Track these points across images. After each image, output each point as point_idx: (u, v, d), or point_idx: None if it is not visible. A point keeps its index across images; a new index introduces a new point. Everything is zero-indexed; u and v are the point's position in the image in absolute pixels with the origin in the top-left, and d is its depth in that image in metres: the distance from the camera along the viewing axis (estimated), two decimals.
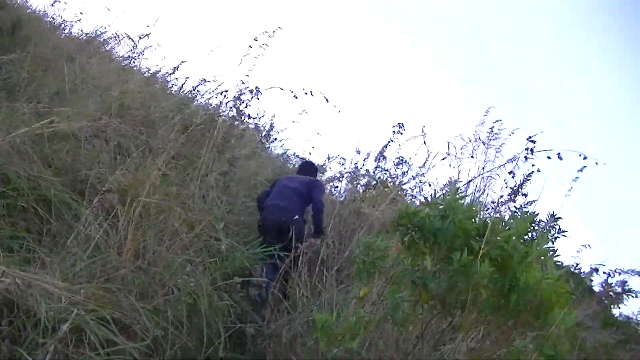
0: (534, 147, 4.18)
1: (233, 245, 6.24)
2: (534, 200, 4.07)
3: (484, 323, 3.98)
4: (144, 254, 5.04)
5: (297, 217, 7.58)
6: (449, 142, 8.61)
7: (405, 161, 9.46)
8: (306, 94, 8.01)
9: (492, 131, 8.33)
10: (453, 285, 3.75)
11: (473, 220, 3.86)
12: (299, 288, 6.28)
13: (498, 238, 3.77)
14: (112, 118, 7.17)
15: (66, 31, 11.47)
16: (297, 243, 6.98)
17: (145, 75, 11.23)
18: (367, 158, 9.71)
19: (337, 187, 10.00)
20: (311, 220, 7.86)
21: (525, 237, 3.89)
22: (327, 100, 8.06)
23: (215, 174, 7.56)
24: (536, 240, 3.82)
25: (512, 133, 8.18)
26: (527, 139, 4.19)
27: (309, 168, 8.97)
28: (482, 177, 7.77)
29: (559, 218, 4.10)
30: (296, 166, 9.70)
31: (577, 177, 5.80)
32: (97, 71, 8.75)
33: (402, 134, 9.39)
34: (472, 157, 8.05)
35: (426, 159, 9.21)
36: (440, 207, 3.85)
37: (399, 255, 4.03)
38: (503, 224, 3.89)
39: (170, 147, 6.87)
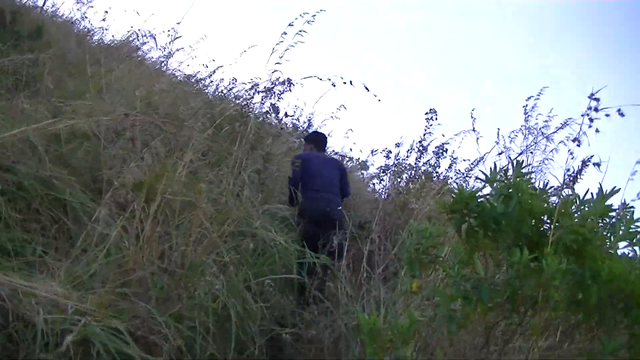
0: (598, 105, 3.31)
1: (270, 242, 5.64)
2: (611, 192, 3.21)
3: (560, 323, 3.28)
4: (168, 255, 4.45)
5: (341, 208, 7.32)
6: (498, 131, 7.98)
7: (446, 150, 8.72)
8: (345, 83, 7.21)
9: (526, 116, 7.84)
10: (516, 288, 3.04)
11: (543, 201, 3.17)
12: (341, 285, 5.63)
13: (575, 220, 3.08)
14: (138, 116, 6.60)
15: (96, 37, 10.90)
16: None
17: (178, 78, 10.67)
18: (410, 150, 8.95)
19: (382, 180, 9.26)
20: None
21: (604, 219, 3.19)
22: (367, 89, 7.31)
23: (250, 171, 6.96)
24: (617, 225, 3.13)
25: (565, 123, 7.51)
26: (590, 97, 3.33)
27: (325, 142, 8.60)
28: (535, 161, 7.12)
29: (632, 208, 3.35)
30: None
31: None
32: (124, 73, 8.16)
33: (435, 119, 8.70)
34: (530, 153, 7.39)
35: (480, 158, 8.44)
36: (503, 186, 3.16)
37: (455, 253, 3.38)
38: (577, 204, 3.18)
39: (199, 142, 6.27)
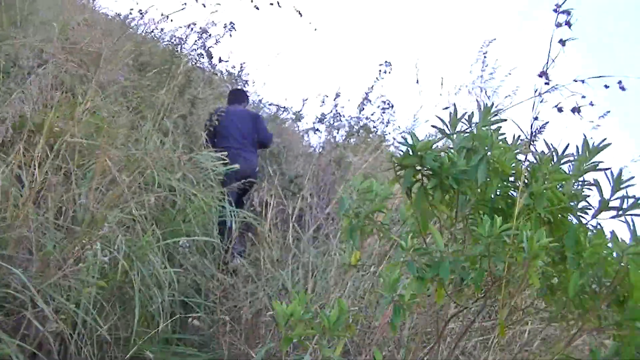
0: (569, 19, 2.41)
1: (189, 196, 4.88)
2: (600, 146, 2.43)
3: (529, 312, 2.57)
4: (66, 208, 3.66)
5: (257, 168, 6.91)
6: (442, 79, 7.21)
7: (392, 105, 7.87)
8: (272, 4, 6.36)
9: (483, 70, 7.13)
10: (486, 268, 2.30)
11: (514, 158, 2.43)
12: (267, 247, 4.89)
13: (546, 182, 2.35)
14: (56, 52, 5.76)
15: None
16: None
17: (108, 17, 9.70)
18: (348, 102, 8.12)
19: (317, 130, 8.35)
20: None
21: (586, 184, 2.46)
22: (300, 14, 6.49)
23: (175, 116, 6.18)
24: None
25: (509, 73, 6.96)
26: (556, 10, 2.41)
27: (242, 96, 7.71)
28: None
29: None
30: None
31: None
32: (46, 6, 7.23)
33: (388, 73, 7.73)
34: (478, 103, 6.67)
35: (416, 112, 7.65)
36: (466, 136, 2.40)
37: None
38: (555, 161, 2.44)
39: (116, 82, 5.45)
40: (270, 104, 10.38)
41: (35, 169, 3.53)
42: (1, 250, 3.03)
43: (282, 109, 9.86)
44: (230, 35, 7.19)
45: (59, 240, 3.39)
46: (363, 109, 7.77)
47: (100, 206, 3.75)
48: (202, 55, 7.29)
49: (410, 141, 2.35)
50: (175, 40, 7.52)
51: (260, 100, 10.84)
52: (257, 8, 6.36)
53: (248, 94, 7.98)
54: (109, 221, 3.58)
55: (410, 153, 2.37)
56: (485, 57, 7.15)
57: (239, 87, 8.11)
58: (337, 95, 8.10)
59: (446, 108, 6.43)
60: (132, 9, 9.17)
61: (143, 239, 3.84)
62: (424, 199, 2.44)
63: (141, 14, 9.23)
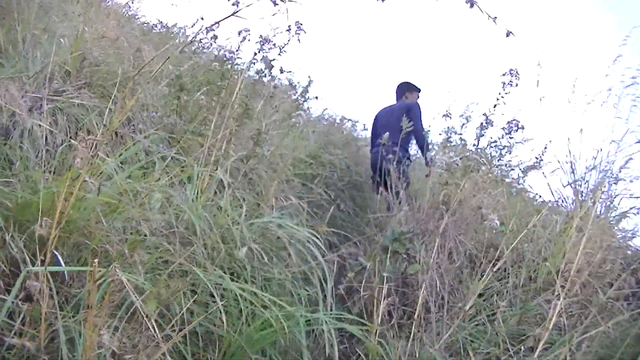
0: None
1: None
2: None
3: None
4: None
5: (391, 156, 6.08)
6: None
7: (522, 127, 5.77)
8: None
9: None
10: None
11: None
12: None
13: None
14: (69, 80, 4.31)
15: None
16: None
17: (144, 27, 7.88)
18: (466, 124, 6.07)
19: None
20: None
21: None
22: None
23: (233, 160, 4.34)
24: None
25: None
26: None
27: (402, 89, 7.50)
28: None
29: None
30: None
31: None
32: (69, 18, 5.46)
33: (516, 85, 5.64)
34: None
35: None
36: None
37: None
38: None
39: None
40: (343, 119, 8.66)
41: None
42: None
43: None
44: (299, 40, 5.46)
45: None
46: (483, 134, 5.64)
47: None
48: (263, 70, 5.48)
49: None
50: (225, 54, 5.69)
51: (326, 113, 9.11)
52: None
53: (410, 84, 7.48)
54: None
55: None
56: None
57: (403, 81, 7.50)
58: (446, 116, 6.11)
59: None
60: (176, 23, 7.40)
61: None
62: None
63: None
